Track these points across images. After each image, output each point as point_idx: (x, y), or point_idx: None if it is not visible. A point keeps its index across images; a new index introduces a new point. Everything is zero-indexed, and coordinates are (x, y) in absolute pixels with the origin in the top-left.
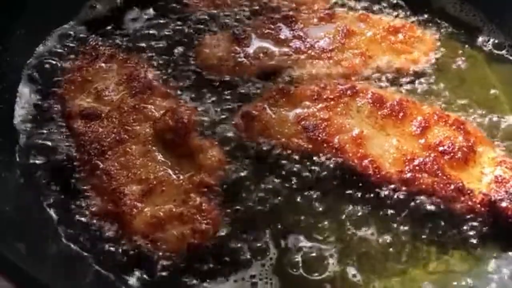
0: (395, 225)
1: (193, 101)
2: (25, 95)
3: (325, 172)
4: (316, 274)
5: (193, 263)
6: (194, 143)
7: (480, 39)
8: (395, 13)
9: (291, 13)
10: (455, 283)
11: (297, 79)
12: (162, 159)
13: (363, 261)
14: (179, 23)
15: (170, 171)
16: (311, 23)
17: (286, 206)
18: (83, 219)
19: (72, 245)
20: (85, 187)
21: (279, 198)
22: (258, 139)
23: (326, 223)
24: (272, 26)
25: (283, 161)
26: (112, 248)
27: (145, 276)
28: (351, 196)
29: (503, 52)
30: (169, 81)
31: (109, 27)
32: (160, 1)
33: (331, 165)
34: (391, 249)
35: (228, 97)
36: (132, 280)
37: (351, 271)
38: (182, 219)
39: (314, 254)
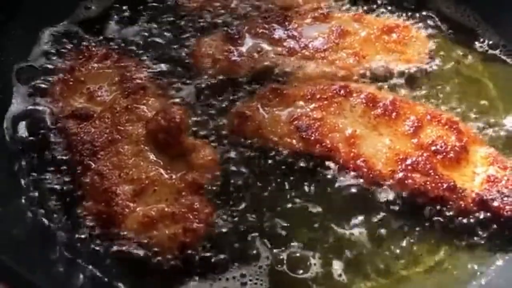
0: (383, 225)
1: (185, 101)
2: (19, 95)
3: (316, 172)
4: (302, 273)
5: (184, 262)
6: (186, 143)
7: (475, 39)
8: (389, 13)
9: (285, 13)
10: (445, 282)
11: (290, 79)
12: (154, 159)
13: (350, 260)
14: (173, 23)
15: (162, 171)
16: (305, 23)
17: (277, 206)
18: (75, 219)
19: (64, 247)
20: (77, 187)
21: (271, 197)
22: (251, 139)
23: (315, 224)
24: (266, 26)
25: (276, 161)
26: (104, 248)
27: (136, 275)
28: (341, 195)
29: (497, 51)
30: (162, 81)
31: (103, 28)
32: (154, 2)
33: (323, 165)
34: (379, 249)
35: (221, 96)
36: (124, 280)
37: (337, 271)
38: (174, 218)
39: (302, 254)
